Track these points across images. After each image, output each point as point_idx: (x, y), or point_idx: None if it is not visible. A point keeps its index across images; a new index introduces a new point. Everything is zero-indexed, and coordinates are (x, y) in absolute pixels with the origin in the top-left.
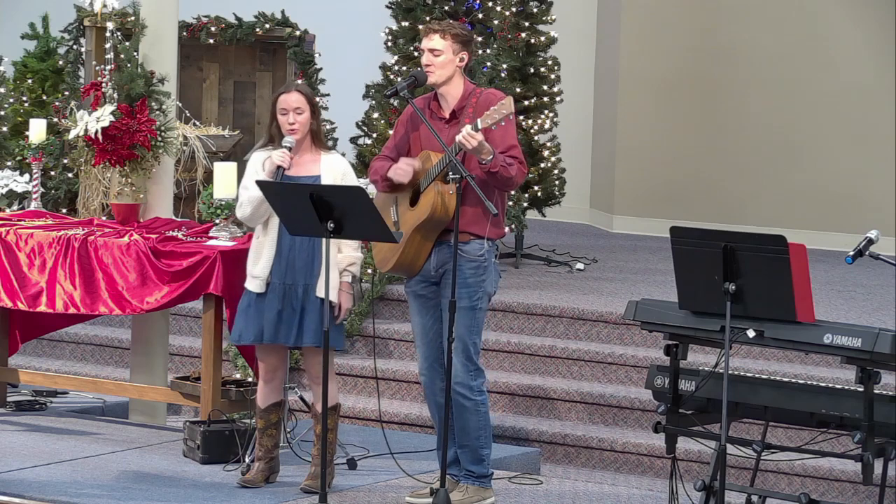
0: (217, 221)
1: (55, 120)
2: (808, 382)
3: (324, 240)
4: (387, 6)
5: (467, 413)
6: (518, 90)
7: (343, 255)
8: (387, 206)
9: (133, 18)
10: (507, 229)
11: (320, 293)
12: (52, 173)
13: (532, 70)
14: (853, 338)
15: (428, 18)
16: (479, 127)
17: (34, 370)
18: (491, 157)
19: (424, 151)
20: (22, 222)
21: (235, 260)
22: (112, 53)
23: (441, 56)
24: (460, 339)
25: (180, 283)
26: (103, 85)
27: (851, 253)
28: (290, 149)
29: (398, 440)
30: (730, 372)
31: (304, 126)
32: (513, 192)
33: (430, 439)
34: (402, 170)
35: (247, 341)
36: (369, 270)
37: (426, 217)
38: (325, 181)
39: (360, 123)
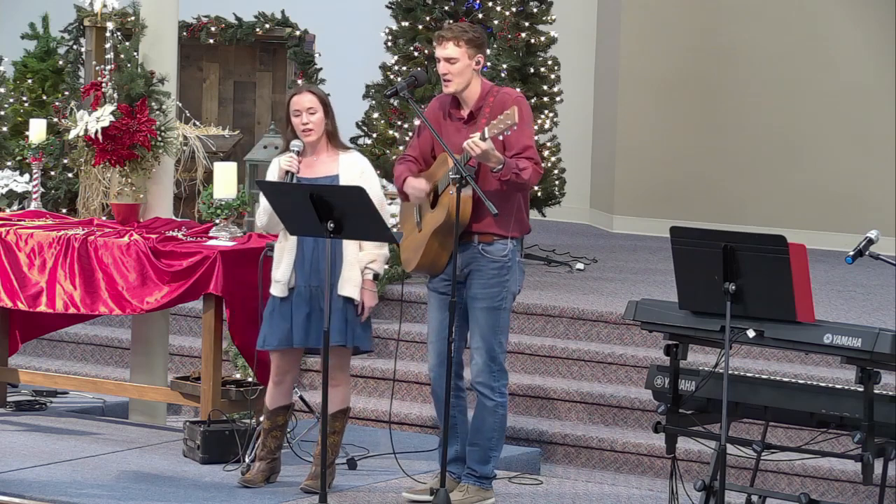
0: (217, 221)
1: (55, 120)
2: (808, 382)
3: (327, 240)
4: (387, 6)
5: (486, 412)
6: (518, 90)
7: (365, 252)
8: (412, 207)
9: (133, 18)
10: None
11: (342, 292)
12: (52, 173)
13: (532, 70)
14: (853, 338)
15: (428, 18)
16: (486, 136)
17: (34, 370)
18: (501, 166)
19: (443, 154)
20: (22, 222)
21: (235, 260)
22: (112, 53)
23: (457, 63)
24: (485, 339)
25: (180, 283)
26: (103, 85)
27: (851, 253)
28: (298, 153)
29: (398, 440)
30: (730, 372)
31: (318, 126)
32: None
33: (430, 439)
34: (416, 190)
35: (271, 346)
36: None
37: (443, 220)
38: (343, 181)
39: (360, 123)
